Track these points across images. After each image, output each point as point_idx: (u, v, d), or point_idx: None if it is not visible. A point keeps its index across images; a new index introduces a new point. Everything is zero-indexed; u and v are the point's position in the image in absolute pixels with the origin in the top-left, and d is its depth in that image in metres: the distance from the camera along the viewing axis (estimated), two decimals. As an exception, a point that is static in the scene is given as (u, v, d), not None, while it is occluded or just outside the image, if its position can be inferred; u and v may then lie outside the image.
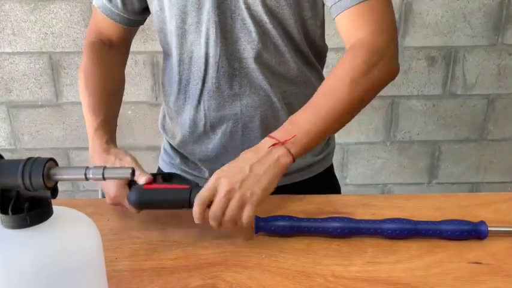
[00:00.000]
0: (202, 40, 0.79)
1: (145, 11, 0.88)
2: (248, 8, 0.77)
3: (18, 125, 1.73)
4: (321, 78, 0.93)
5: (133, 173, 0.38)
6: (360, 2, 0.71)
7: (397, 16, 1.63)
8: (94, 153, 0.77)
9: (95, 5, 0.88)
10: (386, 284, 0.59)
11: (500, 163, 1.83)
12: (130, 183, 0.70)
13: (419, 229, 0.68)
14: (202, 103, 0.84)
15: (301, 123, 0.69)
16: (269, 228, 0.69)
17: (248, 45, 0.79)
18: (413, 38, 1.65)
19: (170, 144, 0.96)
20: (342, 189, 1.06)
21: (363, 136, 1.77)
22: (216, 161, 0.88)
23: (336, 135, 1.75)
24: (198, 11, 0.77)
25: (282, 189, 0.90)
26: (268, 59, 0.81)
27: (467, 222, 0.68)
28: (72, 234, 0.40)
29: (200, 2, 0.77)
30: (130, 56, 1.64)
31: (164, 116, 0.96)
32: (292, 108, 0.87)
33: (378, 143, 1.78)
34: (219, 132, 0.86)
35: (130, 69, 1.65)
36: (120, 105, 0.89)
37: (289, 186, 0.90)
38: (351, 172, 1.83)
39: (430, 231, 0.68)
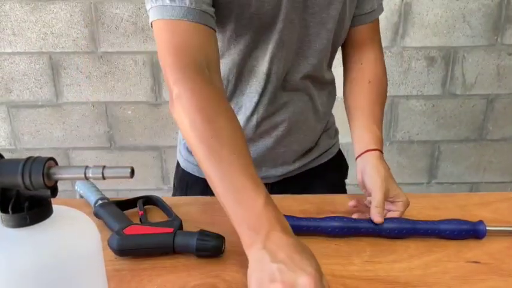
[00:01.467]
0: (267, 58, 0.78)
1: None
2: (321, 26, 0.78)
3: (18, 125, 1.73)
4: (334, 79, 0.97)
5: (132, 172, 0.38)
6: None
7: (396, 16, 1.63)
8: (271, 242, 0.52)
9: (171, 18, 0.61)
10: (385, 283, 0.59)
11: (499, 163, 1.83)
12: None
13: (418, 228, 0.68)
14: (256, 114, 0.84)
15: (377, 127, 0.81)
16: None
17: (305, 61, 0.81)
18: (412, 38, 1.65)
19: None
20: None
21: (362, 136, 1.76)
22: (255, 160, 0.88)
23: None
24: (269, 30, 0.75)
25: (309, 172, 0.95)
26: (319, 71, 0.85)
27: (466, 222, 0.68)
28: (72, 233, 0.40)
29: (272, 22, 0.73)
30: (129, 56, 1.67)
31: None
32: (324, 107, 0.91)
33: (378, 143, 1.77)
34: (267, 137, 0.88)
35: (130, 69, 1.66)
36: None
37: (315, 168, 0.97)
38: (351, 172, 1.81)
39: (429, 230, 0.68)
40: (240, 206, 0.54)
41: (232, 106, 0.80)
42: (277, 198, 0.79)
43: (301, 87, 0.85)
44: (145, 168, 1.75)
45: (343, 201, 0.81)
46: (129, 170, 0.38)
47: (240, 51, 0.77)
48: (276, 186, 0.93)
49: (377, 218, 0.68)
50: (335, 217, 0.69)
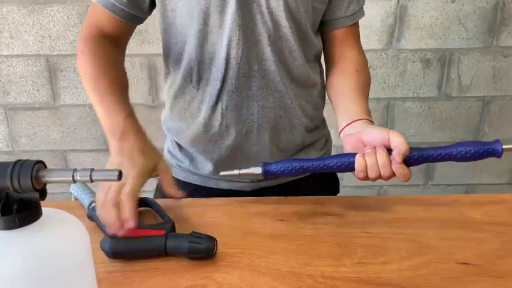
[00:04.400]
0: (225, 42, 0.80)
1: (151, 8, 0.87)
2: (270, 12, 0.79)
3: (16, 127, 1.74)
4: (323, 81, 0.97)
5: (120, 175, 0.39)
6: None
7: (392, 19, 1.64)
8: (128, 138, 0.73)
9: (94, 1, 0.85)
10: (375, 285, 0.60)
11: (495, 165, 1.84)
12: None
13: (428, 155, 0.70)
14: (220, 103, 0.85)
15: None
16: (276, 171, 0.73)
17: (268, 48, 0.82)
18: (408, 40, 1.66)
19: (177, 145, 0.96)
20: (339, 191, 1.07)
21: (359, 138, 1.77)
22: (228, 160, 0.90)
23: (332, 137, 1.78)
24: (221, 13, 0.78)
25: (290, 184, 0.95)
26: (284, 62, 0.85)
27: (480, 143, 0.69)
28: (61, 236, 0.40)
29: (223, 4, 0.78)
30: (127, 59, 1.65)
31: (170, 116, 0.94)
32: (302, 109, 0.91)
33: (374, 144, 1.78)
34: (234, 132, 0.87)
35: (127, 71, 1.66)
36: None
37: (296, 181, 0.96)
38: (346, 174, 1.81)
39: (441, 154, 0.69)
40: (108, 118, 0.76)
41: (197, 96, 0.87)
42: (269, 200, 0.80)
43: (271, 79, 0.84)
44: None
45: (337, 203, 0.81)
46: (117, 173, 0.39)
47: (196, 37, 0.80)
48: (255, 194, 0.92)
49: (398, 158, 0.69)
50: (338, 154, 0.72)
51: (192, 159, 0.94)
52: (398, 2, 1.61)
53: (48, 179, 0.38)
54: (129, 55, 1.66)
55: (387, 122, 1.76)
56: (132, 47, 1.63)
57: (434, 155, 0.71)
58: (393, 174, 0.72)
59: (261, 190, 0.93)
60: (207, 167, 0.92)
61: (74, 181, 0.39)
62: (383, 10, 1.61)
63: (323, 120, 1.02)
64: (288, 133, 0.90)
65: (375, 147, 0.71)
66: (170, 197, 0.75)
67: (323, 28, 0.90)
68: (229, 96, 0.84)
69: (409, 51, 1.67)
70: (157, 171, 0.75)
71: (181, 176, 0.96)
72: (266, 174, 0.74)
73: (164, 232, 0.65)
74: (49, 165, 0.41)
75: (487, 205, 0.80)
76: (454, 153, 0.70)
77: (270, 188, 0.94)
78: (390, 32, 1.64)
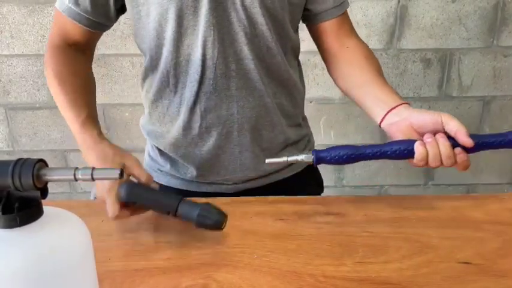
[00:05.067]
0: (199, 42, 0.79)
1: (118, 15, 0.87)
2: (245, 9, 0.78)
3: (16, 127, 1.74)
4: (302, 79, 0.96)
5: (121, 173, 0.39)
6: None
7: (392, 19, 1.63)
8: (88, 149, 0.77)
9: (58, 9, 0.84)
10: (376, 284, 0.60)
11: (496, 165, 1.84)
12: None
13: (487, 142, 0.71)
14: (198, 105, 0.84)
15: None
16: (329, 159, 0.71)
17: (245, 47, 0.81)
18: (408, 40, 1.66)
19: (158, 150, 0.95)
20: (339, 191, 1.07)
21: (359, 138, 1.77)
22: (211, 162, 0.89)
23: (333, 137, 1.79)
24: (194, 13, 0.78)
25: (273, 186, 0.94)
26: (263, 60, 0.83)
27: (496, 134, 0.71)
28: (62, 235, 0.40)
29: (196, 4, 0.77)
30: (127, 58, 1.67)
31: (149, 120, 0.94)
32: (282, 108, 0.90)
33: (374, 144, 1.77)
34: (215, 134, 0.87)
35: (127, 71, 1.66)
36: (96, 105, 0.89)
37: (280, 182, 0.95)
38: (347, 174, 1.83)
39: (498, 141, 0.71)
40: (71, 127, 0.81)
41: (175, 99, 0.86)
42: (269, 199, 0.80)
43: (250, 78, 0.83)
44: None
45: (337, 202, 0.81)
46: (118, 172, 0.39)
47: (171, 40, 0.80)
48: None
49: (469, 140, 0.68)
50: (397, 141, 0.70)
51: (173, 164, 0.94)
52: (398, 2, 1.61)
53: (49, 177, 0.38)
54: (129, 55, 1.66)
55: (388, 122, 1.75)
56: (133, 46, 1.63)
57: (492, 141, 0.71)
58: (455, 163, 0.70)
59: (243, 192, 0.92)
60: (189, 170, 0.92)
61: (76, 179, 0.39)
62: (383, 10, 1.61)
63: (304, 119, 1.01)
64: (269, 132, 0.90)
65: (434, 135, 0.69)
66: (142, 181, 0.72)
67: (313, 22, 0.89)
68: (208, 98, 0.83)
69: (409, 51, 1.67)
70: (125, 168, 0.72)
71: (163, 181, 0.95)
72: (318, 162, 0.72)
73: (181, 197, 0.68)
74: (50, 165, 0.41)
75: (488, 204, 0.80)
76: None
77: (252, 190, 0.93)
78: (391, 32, 1.64)
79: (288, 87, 0.90)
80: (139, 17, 0.81)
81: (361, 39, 0.91)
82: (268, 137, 0.90)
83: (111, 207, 0.69)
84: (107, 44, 1.60)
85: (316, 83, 1.67)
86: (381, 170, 1.83)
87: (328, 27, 0.88)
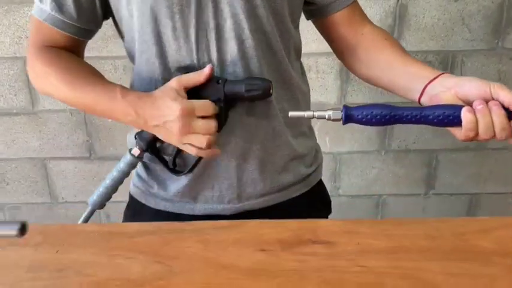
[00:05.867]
0: (193, 46, 0.72)
1: (105, 18, 0.80)
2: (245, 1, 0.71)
3: (-7, 133, 1.64)
4: (305, 81, 0.87)
5: (22, 229, 0.29)
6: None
7: (391, 19, 1.54)
8: (144, 107, 0.71)
9: (38, 18, 0.76)
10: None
11: (500, 173, 1.74)
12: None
13: None
14: None
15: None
16: (360, 118, 0.64)
17: (246, 43, 0.73)
18: (408, 41, 1.56)
19: (145, 167, 0.86)
20: (335, 201, 0.98)
21: (356, 145, 1.68)
22: (203, 176, 0.80)
23: (328, 143, 1.70)
24: (181, 12, 0.70)
25: (278, 207, 0.85)
26: (263, 57, 0.75)
27: None
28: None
29: (183, 3, 0.70)
30: (109, 62, 1.57)
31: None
32: (285, 114, 0.80)
33: (372, 152, 1.69)
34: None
35: (110, 74, 1.57)
36: None
37: (285, 203, 0.85)
38: (343, 183, 1.74)
39: None
40: (110, 105, 0.72)
41: None
42: (248, 225, 0.69)
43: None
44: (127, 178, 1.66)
45: (326, 229, 0.71)
46: (17, 227, 0.29)
47: (155, 45, 0.73)
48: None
49: None
50: (441, 105, 0.62)
51: (160, 182, 0.84)
52: (398, 0, 1.52)
53: None
54: (112, 57, 1.55)
55: (386, 128, 1.66)
56: (115, 49, 1.54)
57: None
58: (510, 136, 0.62)
59: (242, 214, 0.83)
60: (179, 187, 0.82)
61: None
62: (381, 9, 1.52)
63: (310, 128, 0.92)
64: (271, 142, 0.80)
65: (486, 103, 0.61)
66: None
67: (321, 16, 0.83)
68: None
69: (409, 53, 1.57)
70: (184, 83, 0.70)
71: (152, 203, 0.86)
72: (347, 120, 0.65)
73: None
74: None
75: (496, 230, 0.70)
76: None
77: (253, 211, 0.83)
78: (390, 33, 1.55)
79: (291, 90, 0.81)
80: (122, 21, 0.76)
81: (374, 24, 0.85)
82: (269, 147, 0.80)
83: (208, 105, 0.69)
84: (87, 45, 1.50)
85: (311, 87, 1.58)
86: (379, 179, 1.74)
87: (339, 18, 0.82)
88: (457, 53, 1.58)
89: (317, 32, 0.90)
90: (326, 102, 1.62)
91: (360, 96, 1.61)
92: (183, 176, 0.80)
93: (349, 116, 0.64)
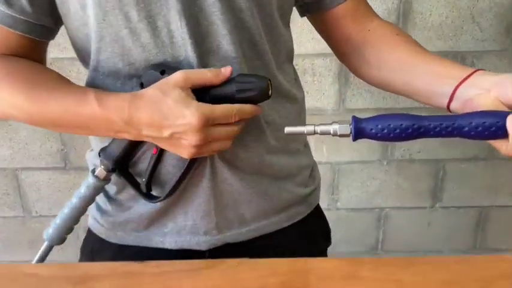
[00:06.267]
0: (164, 40, 0.59)
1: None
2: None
3: (-40, 142, 1.51)
4: (300, 90, 0.75)
5: None
6: None
7: (394, 17, 1.42)
8: (130, 114, 0.57)
9: None
10: None
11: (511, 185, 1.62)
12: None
13: None
14: None
15: None
16: (374, 133, 0.51)
17: (224, 41, 0.60)
18: (413, 41, 1.44)
19: (105, 194, 0.72)
20: (332, 215, 0.85)
21: (356, 154, 1.56)
22: (175, 200, 0.67)
23: (326, 153, 1.57)
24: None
25: (266, 239, 0.71)
26: (244, 64, 0.62)
27: None
28: None
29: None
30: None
31: (96, 156, 0.71)
32: (273, 127, 0.67)
33: (374, 162, 1.57)
34: (179, 161, 0.64)
35: (84, 77, 1.43)
36: None
37: (275, 234, 0.72)
38: (342, 195, 1.61)
39: None
40: (85, 114, 0.58)
41: None
42: (223, 266, 0.58)
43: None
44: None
45: (320, 272, 0.58)
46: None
47: (118, 40, 0.59)
48: (215, 256, 0.69)
49: None
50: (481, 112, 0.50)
51: (122, 209, 0.70)
52: (401, -3, 1.40)
53: None
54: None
55: (389, 136, 1.53)
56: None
57: None
58: None
59: (222, 248, 0.69)
60: (145, 214, 0.68)
61: None
62: (384, 6, 1.40)
63: (306, 144, 0.79)
64: (258, 158, 0.67)
65: None
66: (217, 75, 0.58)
67: (321, 10, 0.71)
68: None
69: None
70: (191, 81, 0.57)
71: (113, 238, 0.72)
72: (358, 135, 0.53)
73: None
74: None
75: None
76: None
77: (235, 245, 0.70)
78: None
79: (280, 98, 0.68)
80: (70, 13, 0.62)
81: (382, 19, 0.73)
82: (253, 165, 0.67)
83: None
84: (60, 45, 1.37)
85: (306, 92, 1.45)
86: (381, 191, 1.61)
87: (342, 12, 0.70)
88: (466, 54, 1.47)
89: (312, 30, 0.78)
90: (323, 108, 1.49)
91: (360, 101, 1.48)
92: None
93: (360, 130, 0.52)
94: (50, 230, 0.69)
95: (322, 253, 0.82)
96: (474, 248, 1.70)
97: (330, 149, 1.55)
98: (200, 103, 0.55)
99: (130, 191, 0.67)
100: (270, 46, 0.64)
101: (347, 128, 0.53)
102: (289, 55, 0.72)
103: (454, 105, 0.57)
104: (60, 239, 0.69)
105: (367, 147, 1.55)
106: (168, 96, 0.55)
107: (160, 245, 0.70)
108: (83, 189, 0.67)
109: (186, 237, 0.69)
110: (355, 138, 0.53)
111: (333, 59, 1.47)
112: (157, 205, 0.67)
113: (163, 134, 0.56)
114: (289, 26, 0.71)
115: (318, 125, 0.54)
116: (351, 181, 1.60)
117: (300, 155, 0.75)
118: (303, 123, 0.75)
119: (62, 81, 0.63)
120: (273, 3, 0.63)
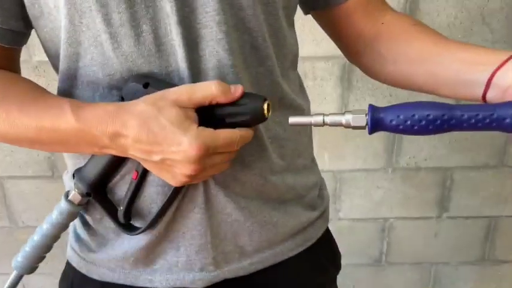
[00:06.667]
0: (150, 47, 0.52)
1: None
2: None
3: None
4: (305, 98, 0.68)
5: None
6: None
7: (400, 17, 1.36)
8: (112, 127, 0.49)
9: None
10: None
11: (523, 194, 1.56)
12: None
13: None
14: None
15: None
16: (395, 124, 0.44)
17: (217, 45, 0.53)
18: (420, 44, 1.37)
19: (84, 223, 0.64)
20: (334, 225, 0.78)
21: (359, 162, 1.49)
22: (161, 233, 0.59)
23: (327, 160, 1.50)
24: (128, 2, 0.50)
25: (270, 272, 0.63)
26: (243, 72, 0.55)
27: None
28: None
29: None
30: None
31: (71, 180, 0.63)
32: (278, 142, 0.59)
33: (378, 170, 1.50)
34: (165, 188, 0.56)
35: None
36: None
37: (279, 265, 0.64)
38: (345, 205, 1.55)
39: None
40: (65, 129, 0.51)
41: None
42: None
43: None
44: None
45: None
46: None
47: (96, 45, 0.52)
48: None
49: None
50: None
51: (104, 242, 0.62)
52: (407, -4, 1.34)
53: None
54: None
55: (394, 143, 1.48)
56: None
57: None
58: None
59: (221, 285, 0.62)
60: (131, 249, 0.60)
61: None
62: (389, 6, 1.33)
63: (313, 160, 0.71)
64: (261, 179, 0.59)
65: None
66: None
67: (330, 4, 0.65)
68: None
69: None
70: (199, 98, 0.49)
71: (95, 274, 0.64)
72: (374, 127, 0.46)
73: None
74: None
75: None
76: None
77: (236, 280, 0.62)
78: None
79: (285, 110, 0.61)
80: (44, 15, 0.54)
81: (397, 11, 0.67)
82: (255, 189, 0.59)
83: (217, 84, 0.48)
84: (38, 48, 1.31)
85: (307, 96, 1.40)
86: (386, 200, 1.55)
87: (352, 6, 0.64)
88: (476, 57, 1.40)
89: (313, 31, 0.72)
90: (324, 113, 1.41)
91: (363, 106, 1.41)
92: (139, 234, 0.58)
93: (378, 121, 0.46)
94: (18, 258, 0.62)
95: (333, 283, 0.74)
96: (483, 260, 1.64)
97: (332, 156, 1.49)
98: (201, 128, 0.48)
99: (110, 223, 0.60)
100: (274, 50, 0.57)
101: (362, 119, 0.46)
102: (294, 60, 0.65)
103: (491, 95, 0.50)
104: (30, 268, 0.62)
105: (372, 154, 1.48)
106: (163, 115, 0.47)
107: (148, 284, 0.62)
108: (54, 215, 0.59)
109: (179, 275, 0.61)
110: (371, 131, 0.46)
111: (335, 61, 1.41)
112: (143, 240, 0.59)
113: (153, 158, 0.49)
114: (293, 27, 0.64)
115: (327, 115, 0.48)
116: (354, 190, 1.53)
117: (307, 172, 0.68)
118: (309, 132, 0.68)
119: (35, 94, 0.54)
120: (278, 0, 0.55)
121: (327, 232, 0.72)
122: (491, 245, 1.62)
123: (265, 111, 0.49)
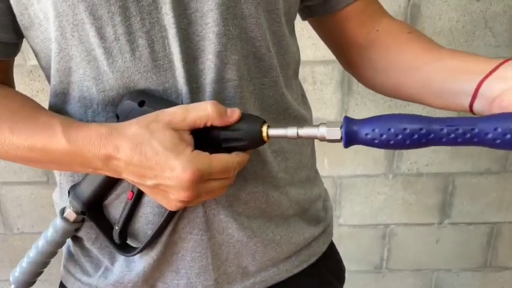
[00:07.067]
0: (147, 62, 0.49)
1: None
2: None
3: None
4: (307, 107, 0.65)
5: None
6: None
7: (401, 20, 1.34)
8: (103, 151, 0.47)
9: None
10: None
11: (526, 199, 1.53)
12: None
13: None
14: None
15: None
16: (370, 138, 0.42)
17: (215, 56, 0.50)
18: (422, 48, 1.35)
19: (78, 245, 0.62)
20: (334, 232, 0.75)
21: (359, 167, 1.47)
22: (159, 256, 0.56)
23: (327, 166, 1.47)
24: (124, 11, 0.48)
25: None
26: (246, 85, 0.52)
27: None
28: None
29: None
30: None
31: (62, 199, 0.61)
32: (284, 157, 0.57)
33: (378, 175, 1.48)
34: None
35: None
36: None
37: (283, 283, 0.62)
38: (345, 211, 1.52)
39: None
40: (57, 150, 0.48)
41: None
42: None
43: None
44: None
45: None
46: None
47: (89, 61, 0.49)
48: None
49: None
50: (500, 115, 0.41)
51: (99, 264, 0.60)
52: (409, 0, 1.31)
53: None
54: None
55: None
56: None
57: None
58: None
59: None
60: (128, 272, 0.58)
61: None
62: (390, 9, 1.26)
63: (316, 170, 0.69)
64: (263, 195, 0.57)
65: None
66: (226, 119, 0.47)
67: (327, 11, 0.63)
68: None
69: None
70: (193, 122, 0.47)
71: None
72: (349, 141, 0.43)
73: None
74: None
75: None
76: None
77: None
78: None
79: (289, 122, 0.58)
80: (33, 25, 0.52)
81: (394, 18, 0.65)
82: (257, 207, 0.57)
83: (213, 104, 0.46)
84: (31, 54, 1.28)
85: (306, 101, 1.38)
86: (386, 206, 1.53)
87: (350, 13, 0.62)
88: (478, 61, 1.38)
89: (312, 35, 0.70)
90: (323, 118, 1.40)
91: (364, 111, 1.39)
92: (135, 255, 0.56)
93: (353, 134, 0.43)
94: (16, 274, 0.60)
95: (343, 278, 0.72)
96: (485, 267, 1.61)
97: (332, 162, 1.47)
98: (195, 152, 0.45)
99: (106, 243, 0.58)
100: (278, 59, 0.54)
101: (337, 132, 0.44)
102: (296, 68, 0.62)
103: (478, 105, 0.47)
104: (27, 283, 0.60)
105: (372, 159, 1.46)
106: (156, 138, 0.45)
107: None
108: (50, 232, 0.57)
109: None
110: (346, 145, 0.43)
111: (335, 66, 1.38)
112: (141, 264, 0.57)
113: (146, 182, 0.46)
114: (294, 33, 0.61)
115: (301, 128, 0.45)
116: (354, 196, 1.51)
117: (311, 184, 0.65)
118: (312, 142, 0.65)
119: (26, 111, 0.52)
120: (280, 7, 0.53)
121: (332, 246, 0.70)
122: (494, 252, 1.60)
123: (264, 135, 0.47)
